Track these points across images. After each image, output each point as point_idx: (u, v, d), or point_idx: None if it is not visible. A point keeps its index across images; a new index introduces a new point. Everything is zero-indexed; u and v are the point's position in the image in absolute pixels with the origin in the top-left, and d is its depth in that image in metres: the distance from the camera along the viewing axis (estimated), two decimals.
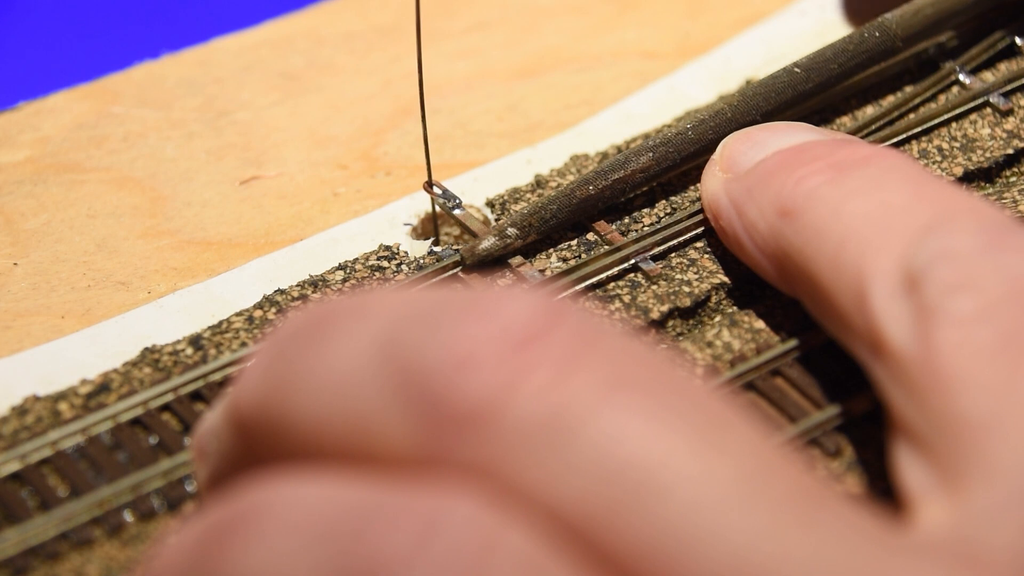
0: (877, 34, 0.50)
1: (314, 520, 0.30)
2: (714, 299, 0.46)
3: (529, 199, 0.50)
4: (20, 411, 0.43)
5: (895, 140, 0.51)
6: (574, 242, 0.48)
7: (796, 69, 0.50)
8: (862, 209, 0.39)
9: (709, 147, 0.48)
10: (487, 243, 0.46)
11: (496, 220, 0.50)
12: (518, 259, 0.47)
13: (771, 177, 0.42)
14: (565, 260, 0.47)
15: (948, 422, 0.34)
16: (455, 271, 0.47)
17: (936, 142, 0.51)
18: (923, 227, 0.38)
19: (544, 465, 0.30)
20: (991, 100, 0.52)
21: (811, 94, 0.50)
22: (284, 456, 0.33)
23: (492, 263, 0.47)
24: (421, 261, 0.48)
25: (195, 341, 0.46)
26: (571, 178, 0.51)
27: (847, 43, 0.50)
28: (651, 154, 0.48)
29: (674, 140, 0.48)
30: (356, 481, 0.31)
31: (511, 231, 0.46)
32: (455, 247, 0.49)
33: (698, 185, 0.49)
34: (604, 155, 0.52)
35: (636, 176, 0.48)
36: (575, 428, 0.30)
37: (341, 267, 0.48)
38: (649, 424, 0.31)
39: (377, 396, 0.32)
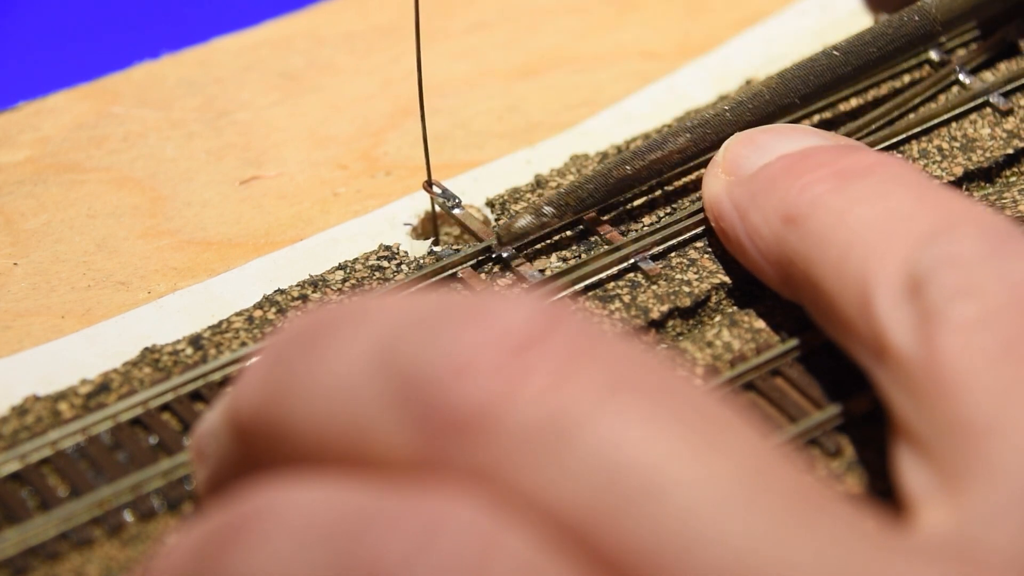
0: (916, 18, 0.50)
1: (315, 524, 0.30)
2: (714, 299, 0.46)
3: (529, 199, 0.50)
4: (20, 411, 0.43)
5: (895, 140, 0.51)
6: (574, 242, 0.48)
7: (835, 52, 0.49)
8: (866, 216, 0.39)
9: (747, 128, 0.47)
10: (523, 221, 0.46)
11: (496, 220, 0.50)
12: (518, 259, 0.47)
13: (775, 182, 0.42)
14: (565, 260, 0.47)
15: (950, 425, 0.35)
16: (487, 255, 0.47)
17: (936, 142, 0.51)
18: (926, 233, 0.38)
19: (543, 469, 0.30)
20: (991, 100, 0.52)
21: (849, 77, 0.49)
22: (284, 460, 0.33)
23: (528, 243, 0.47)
24: (421, 261, 0.48)
25: (195, 341, 0.46)
26: (571, 178, 0.51)
27: (886, 26, 0.50)
28: (689, 135, 0.47)
29: (712, 121, 0.48)
30: (356, 485, 0.31)
31: (548, 210, 0.46)
32: (455, 247, 0.49)
33: (698, 185, 0.49)
34: (604, 155, 0.52)
35: (673, 157, 0.47)
36: (573, 432, 0.30)
37: (341, 267, 0.48)
38: (647, 427, 0.31)
39: (376, 402, 0.32)
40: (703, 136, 0.48)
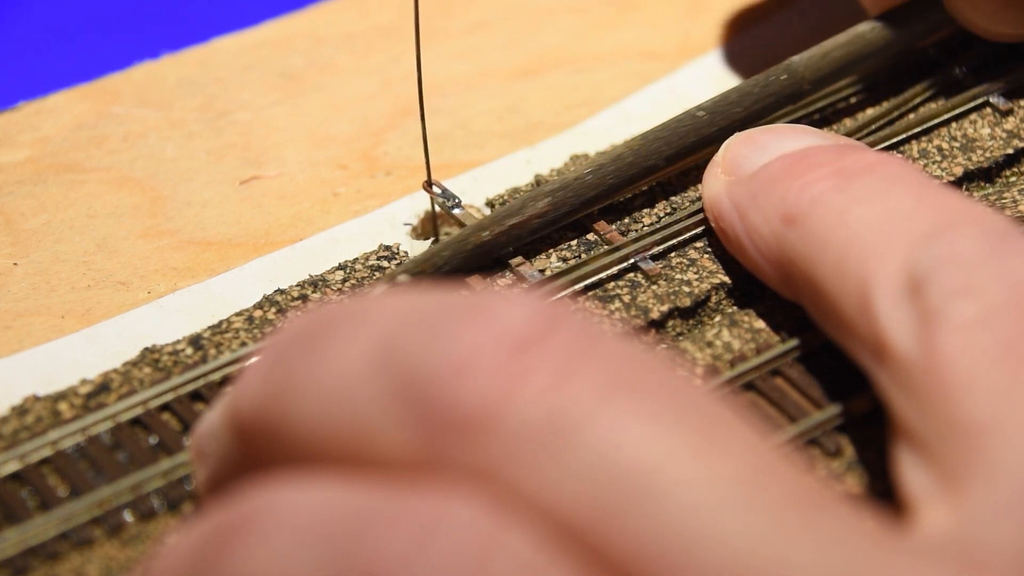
0: (784, 76, 0.49)
1: (315, 523, 0.30)
2: (714, 299, 0.46)
3: None
4: (20, 411, 0.43)
5: (895, 140, 0.51)
6: (574, 242, 0.48)
7: (699, 112, 0.48)
8: (866, 216, 0.39)
9: (609, 192, 0.47)
10: (376, 293, 0.45)
11: None
12: (518, 258, 0.47)
13: (775, 182, 0.42)
14: (565, 260, 0.47)
15: (950, 426, 0.35)
16: None
17: (936, 142, 0.51)
18: (926, 233, 0.38)
19: (543, 469, 0.30)
20: (991, 100, 0.52)
21: (715, 138, 0.48)
22: (284, 460, 0.33)
23: None
24: None
25: (195, 341, 0.46)
26: (571, 178, 0.51)
27: (752, 86, 0.49)
28: (549, 199, 0.46)
29: (573, 184, 0.47)
30: (356, 485, 0.31)
31: (402, 278, 0.45)
32: None
33: (698, 185, 0.49)
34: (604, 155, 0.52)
35: (533, 221, 0.46)
36: (573, 432, 0.30)
37: (341, 267, 0.48)
38: (647, 427, 0.31)
39: (376, 401, 0.32)
40: (563, 200, 0.46)
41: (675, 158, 0.48)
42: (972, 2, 0.50)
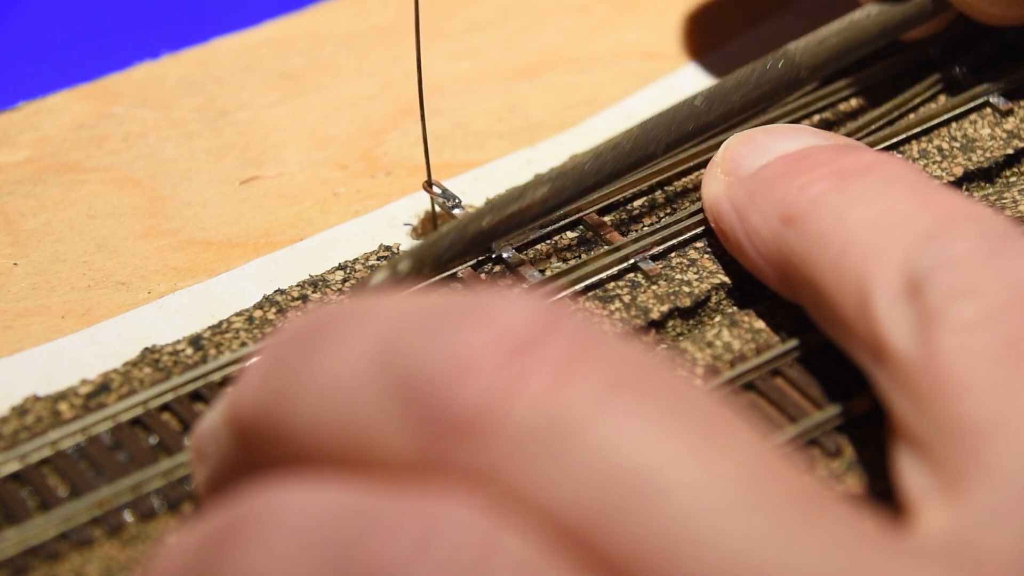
0: (781, 64, 0.48)
1: (314, 524, 0.30)
2: (714, 299, 0.46)
3: None
4: (20, 411, 0.44)
5: (895, 140, 0.51)
6: (574, 242, 0.48)
7: (696, 101, 0.47)
8: (865, 216, 0.39)
9: (608, 179, 0.46)
10: (379, 277, 0.43)
11: None
12: (518, 258, 0.47)
13: (774, 183, 0.42)
14: (565, 260, 0.47)
15: (949, 426, 0.35)
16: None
17: (936, 142, 0.51)
18: (926, 233, 0.38)
19: (542, 471, 0.30)
20: (991, 100, 0.52)
21: (713, 125, 0.47)
22: (284, 460, 0.33)
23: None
24: None
25: (195, 341, 0.46)
26: None
27: (749, 74, 0.48)
28: (548, 186, 0.45)
29: (571, 172, 0.45)
30: (356, 486, 0.31)
31: (403, 266, 0.43)
32: None
33: (698, 185, 0.49)
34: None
35: (533, 209, 0.45)
36: (573, 433, 0.30)
37: (341, 267, 0.48)
38: (647, 428, 0.31)
39: (376, 403, 0.32)
40: (562, 187, 0.45)
41: (674, 145, 0.47)
42: None
